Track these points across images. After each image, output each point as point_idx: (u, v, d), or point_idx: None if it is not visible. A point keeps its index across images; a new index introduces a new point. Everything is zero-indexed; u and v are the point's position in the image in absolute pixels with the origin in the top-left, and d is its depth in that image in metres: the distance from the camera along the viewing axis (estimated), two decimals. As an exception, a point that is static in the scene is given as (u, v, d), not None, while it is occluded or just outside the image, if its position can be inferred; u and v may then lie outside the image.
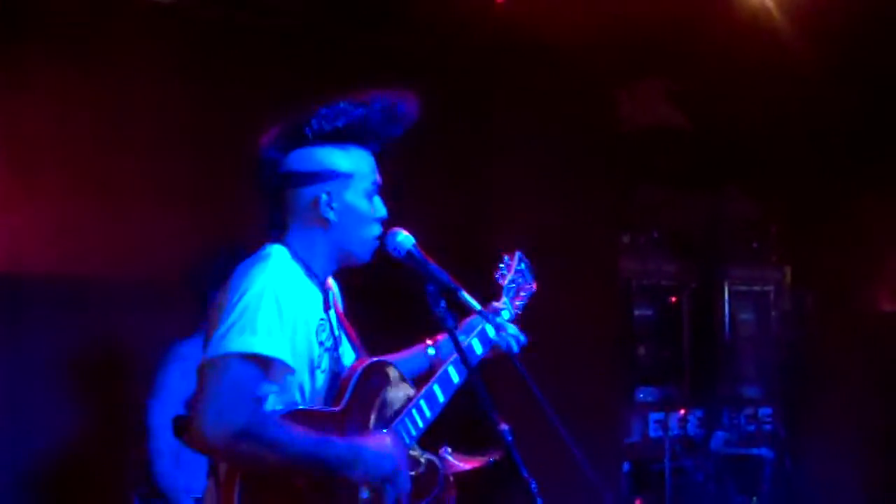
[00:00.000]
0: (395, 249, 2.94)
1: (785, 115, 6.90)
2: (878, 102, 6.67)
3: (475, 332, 3.25)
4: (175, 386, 4.35)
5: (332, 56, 5.60)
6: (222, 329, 2.66)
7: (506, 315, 3.39)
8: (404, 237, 2.94)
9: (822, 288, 7.90)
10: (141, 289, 4.97)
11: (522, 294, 3.52)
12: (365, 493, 2.79)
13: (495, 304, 3.40)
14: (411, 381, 3.06)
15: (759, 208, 7.84)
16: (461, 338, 3.02)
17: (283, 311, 2.71)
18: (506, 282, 3.47)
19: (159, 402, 4.40)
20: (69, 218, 4.84)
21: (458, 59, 5.95)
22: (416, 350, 3.30)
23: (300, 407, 2.74)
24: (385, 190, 2.98)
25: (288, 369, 2.74)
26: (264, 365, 2.67)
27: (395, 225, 2.97)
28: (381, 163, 2.98)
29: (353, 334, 3.02)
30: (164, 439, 4.32)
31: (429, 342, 3.29)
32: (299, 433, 2.67)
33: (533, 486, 2.57)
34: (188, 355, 4.33)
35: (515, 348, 3.22)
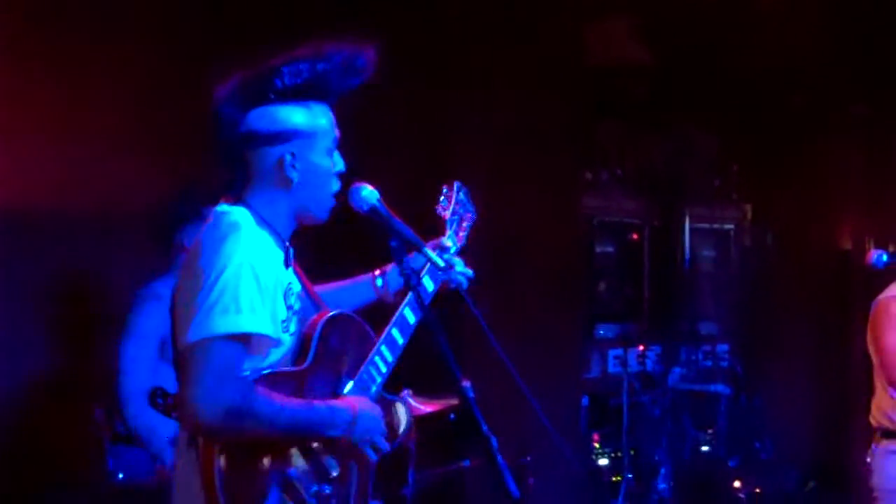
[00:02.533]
0: (359, 204, 2.91)
1: (747, 54, 6.89)
2: (840, 42, 6.67)
3: (425, 269, 3.24)
4: (147, 326, 4.30)
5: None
6: (204, 309, 2.61)
7: (452, 248, 3.36)
8: (368, 192, 2.90)
9: (782, 226, 7.96)
10: (109, 227, 4.91)
11: (465, 224, 3.50)
12: (337, 456, 2.83)
13: (441, 239, 3.37)
14: (369, 325, 3.06)
15: (720, 146, 7.85)
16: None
17: (260, 284, 2.68)
18: (448, 214, 3.44)
19: (131, 342, 4.32)
20: (24, 155, 4.76)
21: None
22: (362, 279, 3.30)
23: (266, 372, 2.72)
24: (342, 139, 2.94)
25: (271, 342, 2.73)
26: (249, 341, 2.66)
27: (353, 174, 2.94)
28: (336, 110, 2.93)
29: (310, 286, 3.00)
30: (135, 381, 4.26)
31: (376, 273, 3.28)
32: (284, 403, 2.67)
33: (493, 442, 2.57)
34: (162, 295, 4.29)
35: (465, 284, 3.21)
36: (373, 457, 2.87)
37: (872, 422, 5.16)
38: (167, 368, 4.20)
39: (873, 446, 5.15)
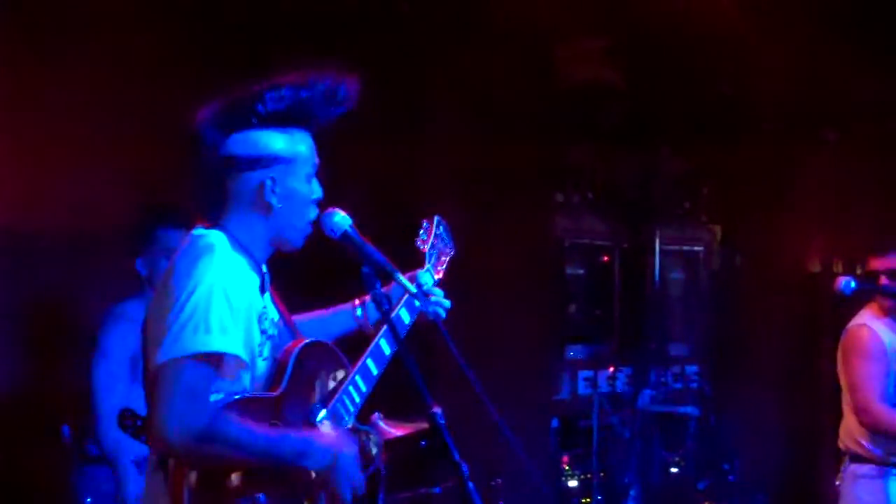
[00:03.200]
0: (331, 230, 2.91)
1: (718, 76, 6.94)
2: (810, 67, 6.72)
3: (402, 301, 3.24)
4: (119, 346, 4.30)
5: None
6: (175, 329, 2.60)
7: (430, 282, 3.37)
8: (341, 217, 2.91)
9: (751, 248, 8.00)
10: (79, 244, 4.87)
11: (444, 259, 3.51)
12: (309, 485, 2.81)
13: (418, 271, 3.38)
14: (344, 355, 3.05)
15: (690, 169, 7.89)
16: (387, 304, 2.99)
17: (232, 306, 2.66)
18: (427, 247, 3.45)
19: (104, 362, 4.32)
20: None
21: (390, 13, 5.87)
22: (342, 309, 3.30)
23: (237, 396, 2.70)
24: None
25: (241, 364, 2.71)
26: (219, 362, 2.64)
27: (326, 193, 2.94)
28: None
29: (286, 313, 2.99)
30: (107, 400, 4.25)
31: (356, 302, 3.27)
32: (256, 430, 2.65)
33: (464, 469, 2.56)
34: (132, 316, 4.27)
35: (442, 315, 3.23)
36: (348, 496, 2.84)
37: (841, 446, 5.19)
38: (138, 389, 4.19)
39: (842, 470, 5.18)
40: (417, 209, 5.48)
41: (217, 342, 2.61)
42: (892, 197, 6.81)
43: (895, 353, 5.04)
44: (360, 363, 3.04)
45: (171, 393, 2.57)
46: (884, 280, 5.11)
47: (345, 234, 2.90)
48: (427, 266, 3.42)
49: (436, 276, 3.43)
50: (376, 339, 3.11)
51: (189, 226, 2.87)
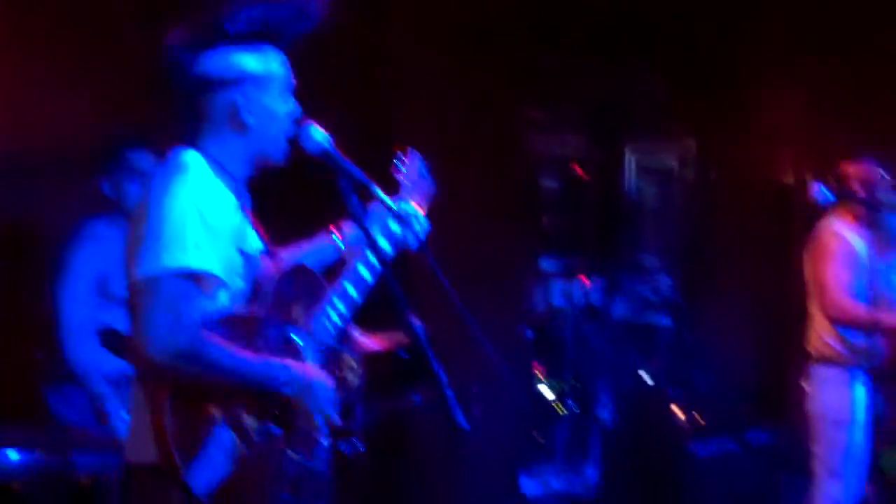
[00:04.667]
0: (309, 145, 2.90)
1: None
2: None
3: (381, 227, 3.24)
4: (85, 264, 4.28)
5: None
6: (153, 247, 2.61)
7: (407, 209, 3.34)
8: (318, 132, 2.90)
9: (725, 161, 8.02)
10: (44, 168, 4.83)
11: (421, 194, 3.46)
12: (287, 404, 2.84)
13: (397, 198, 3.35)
14: (324, 278, 3.07)
15: (665, 82, 7.87)
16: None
17: (208, 224, 2.67)
18: (403, 178, 3.42)
19: (69, 281, 4.29)
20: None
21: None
22: (322, 240, 3.31)
23: (218, 315, 2.72)
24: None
25: (220, 283, 2.72)
26: (198, 280, 2.65)
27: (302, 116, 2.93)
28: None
29: (262, 232, 2.99)
30: (75, 319, 4.25)
31: (335, 233, 3.30)
32: (237, 354, 2.67)
33: (443, 377, 2.60)
34: (100, 234, 4.27)
35: (416, 242, 3.24)
36: (323, 428, 2.88)
37: (809, 348, 5.29)
38: (108, 306, 4.21)
39: (810, 371, 5.29)
40: (388, 128, 5.50)
41: (194, 260, 2.62)
42: (866, 107, 6.84)
43: (865, 262, 5.13)
44: (337, 286, 3.05)
45: (149, 310, 2.59)
46: (856, 187, 5.18)
47: (323, 150, 2.90)
48: (404, 195, 3.38)
49: (414, 209, 3.38)
50: (354, 263, 3.11)
51: (159, 148, 2.87)
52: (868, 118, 6.65)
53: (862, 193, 5.15)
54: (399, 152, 3.47)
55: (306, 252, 3.27)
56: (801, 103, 7.42)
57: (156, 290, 2.59)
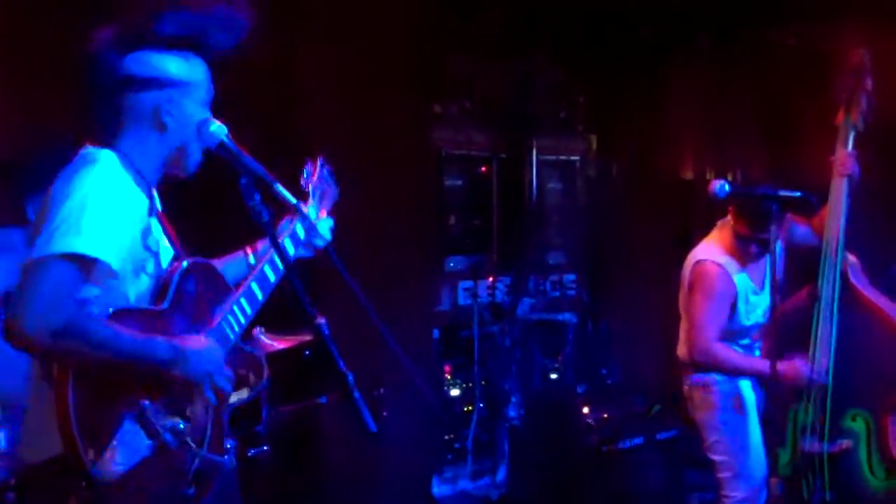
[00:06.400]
0: (207, 139, 2.91)
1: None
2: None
3: (286, 232, 3.29)
4: None
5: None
6: (48, 231, 2.62)
7: (314, 216, 3.41)
8: (217, 127, 2.94)
9: (627, 157, 8.10)
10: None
11: (327, 202, 3.54)
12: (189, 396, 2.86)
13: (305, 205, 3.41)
14: (230, 280, 3.10)
15: (566, 78, 7.91)
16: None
17: (109, 215, 2.68)
18: (310, 187, 3.49)
19: None
20: None
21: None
22: (235, 256, 3.34)
23: (116, 308, 2.73)
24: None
25: (111, 273, 2.71)
26: (87, 266, 2.65)
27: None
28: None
29: (174, 237, 3.01)
30: None
31: (248, 251, 3.34)
32: (122, 332, 2.67)
33: (349, 378, 2.61)
34: (14, 244, 4.15)
35: (322, 245, 3.32)
36: (212, 398, 2.88)
37: (681, 355, 5.18)
38: None
39: (687, 379, 5.22)
40: (290, 123, 5.42)
41: (84, 245, 2.62)
42: (763, 103, 6.95)
43: (742, 287, 4.98)
44: (245, 285, 3.09)
45: (33, 287, 2.59)
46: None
47: (221, 144, 2.91)
48: (311, 202, 3.44)
49: (320, 215, 3.46)
50: (261, 264, 3.16)
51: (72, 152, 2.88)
52: (769, 113, 6.76)
53: (764, 188, 4.98)
54: (307, 160, 3.52)
55: (220, 267, 3.27)
56: (700, 99, 7.52)
57: (42, 270, 2.61)
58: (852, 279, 4.71)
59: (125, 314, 2.73)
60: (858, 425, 4.70)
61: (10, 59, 4.78)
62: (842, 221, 4.68)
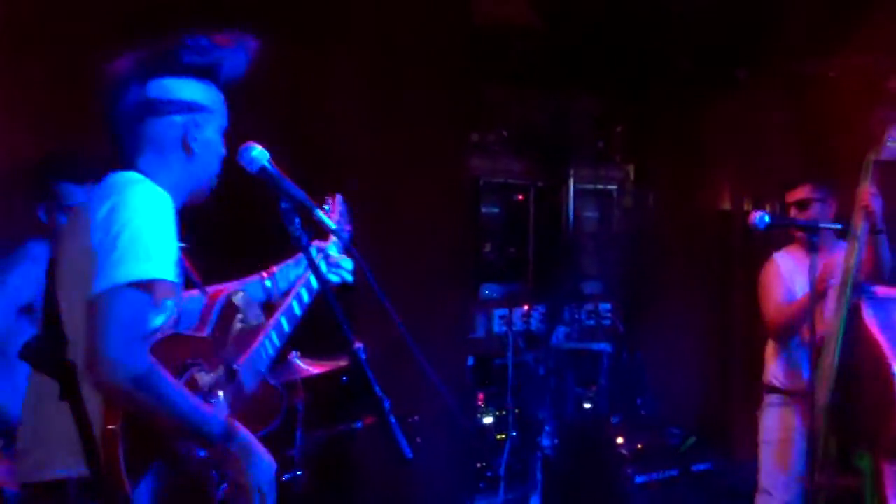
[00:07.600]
0: (249, 164, 2.91)
1: (633, 16, 6.95)
2: (723, 6, 6.77)
3: (303, 280, 3.34)
4: (17, 285, 4.20)
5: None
6: (114, 258, 2.58)
7: (336, 254, 3.44)
8: (259, 152, 2.92)
9: (664, 187, 8.08)
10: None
11: (344, 237, 3.51)
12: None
13: (326, 244, 3.47)
14: (261, 310, 3.14)
15: (604, 108, 7.93)
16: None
17: (164, 232, 2.69)
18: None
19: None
20: None
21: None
22: (252, 280, 3.36)
23: (162, 334, 2.73)
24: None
25: (172, 288, 2.72)
26: (156, 289, 2.64)
27: (238, 142, 2.97)
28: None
29: (189, 265, 3.04)
30: None
31: (264, 275, 3.36)
32: (188, 395, 2.69)
33: (386, 404, 2.61)
34: (37, 256, 4.19)
35: (348, 279, 3.37)
36: (256, 500, 2.86)
37: (763, 379, 5.36)
38: (26, 328, 4.12)
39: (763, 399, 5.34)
40: (330, 151, 5.46)
41: (154, 269, 2.61)
42: (801, 135, 6.92)
43: (791, 278, 5.16)
44: (274, 319, 3.14)
45: (109, 321, 2.54)
46: (793, 211, 5.20)
47: (262, 169, 2.92)
48: (333, 239, 3.46)
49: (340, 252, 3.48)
50: (289, 299, 3.22)
51: (90, 180, 2.89)
52: (808, 144, 6.73)
53: (801, 219, 5.14)
54: (326, 197, 3.57)
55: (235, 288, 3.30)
56: (737, 130, 7.51)
57: (116, 302, 2.56)
58: (866, 315, 4.68)
59: (175, 339, 2.74)
60: (865, 464, 4.68)
61: (26, 75, 4.83)
62: (856, 257, 4.69)
